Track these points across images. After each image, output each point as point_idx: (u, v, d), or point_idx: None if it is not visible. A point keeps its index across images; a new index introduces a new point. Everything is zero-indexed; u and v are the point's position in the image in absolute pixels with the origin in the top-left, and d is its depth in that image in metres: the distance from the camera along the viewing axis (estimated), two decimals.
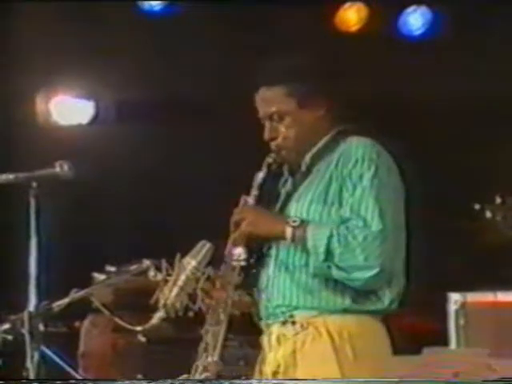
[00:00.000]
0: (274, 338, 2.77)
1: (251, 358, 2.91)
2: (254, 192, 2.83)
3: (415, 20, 5.40)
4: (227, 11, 5.14)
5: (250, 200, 2.83)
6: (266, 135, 2.83)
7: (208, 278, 2.82)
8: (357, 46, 5.20)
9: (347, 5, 5.39)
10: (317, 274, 2.71)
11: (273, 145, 2.83)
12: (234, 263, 2.78)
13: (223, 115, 5.21)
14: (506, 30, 5.00)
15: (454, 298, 4.48)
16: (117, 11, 5.25)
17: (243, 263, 2.78)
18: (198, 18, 5.27)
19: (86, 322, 4.22)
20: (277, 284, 2.77)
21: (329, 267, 2.69)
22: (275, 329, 2.77)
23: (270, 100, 2.81)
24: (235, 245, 2.80)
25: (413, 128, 5.10)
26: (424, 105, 5.21)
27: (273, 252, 2.80)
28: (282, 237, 2.75)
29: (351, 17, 5.38)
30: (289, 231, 2.73)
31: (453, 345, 4.44)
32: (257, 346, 2.88)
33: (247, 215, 2.79)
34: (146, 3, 5.42)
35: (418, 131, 5.14)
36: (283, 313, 2.76)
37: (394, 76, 5.10)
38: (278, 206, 2.84)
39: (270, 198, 2.87)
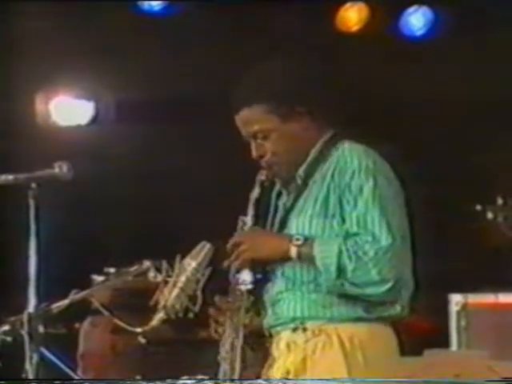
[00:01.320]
0: (283, 344, 2.74)
1: (252, 360, 2.89)
2: (251, 212, 2.78)
3: (416, 20, 5.38)
4: (227, 11, 5.13)
5: (248, 221, 2.78)
6: (254, 153, 2.78)
7: (216, 307, 2.79)
8: (357, 46, 5.19)
9: (348, 5, 5.37)
10: (330, 291, 2.69)
11: (263, 162, 2.79)
12: (241, 288, 2.75)
13: (223, 115, 5.19)
14: (507, 30, 4.99)
15: (455, 300, 4.47)
16: (116, 11, 5.24)
17: (250, 287, 2.75)
18: (198, 17, 5.26)
19: (86, 323, 4.21)
20: (286, 300, 2.74)
21: (342, 284, 2.66)
22: (285, 335, 2.74)
23: (250, 119, 2.76)
24: (239, 269, 2.75)
25: (413, 129, 5.08)
26: (425, 106, 5.20)
27: (279, 269, 2.75)
28: (287, 256, 2.71)
29: (352, 17, 5.35)
30: (293, 250, 2.68)
31: (454, 346, 4.43)
32: (257, 349, 2.87)
33: (246, 241, 2.74)
34: (145, 3, 5.41)
35: (418, 132, 5.13)
36: (292, 321, 2.74)
37: (394, 77, 5.09)
38: (277, 221, 2.80)
39: (264, 213, 2.82)
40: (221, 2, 5.15)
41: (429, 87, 5.13)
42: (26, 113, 5.45)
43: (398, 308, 2.71)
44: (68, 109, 5.60)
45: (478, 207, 4.35)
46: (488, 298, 4.48)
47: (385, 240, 2.65)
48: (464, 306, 4.44)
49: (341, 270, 2.64)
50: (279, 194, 2.84)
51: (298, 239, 2.68)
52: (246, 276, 2.75)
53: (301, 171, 2.77)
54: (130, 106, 5.54)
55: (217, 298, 2.78)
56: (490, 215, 4.32)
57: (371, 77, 5.02)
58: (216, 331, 2.78)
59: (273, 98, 2.75)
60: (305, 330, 2.70)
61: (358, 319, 2.69)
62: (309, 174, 2.76)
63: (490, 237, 4.67)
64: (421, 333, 4.72)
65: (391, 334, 2.74)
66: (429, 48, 5.29)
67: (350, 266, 2.64)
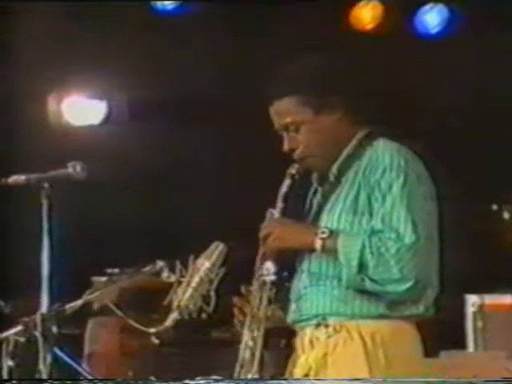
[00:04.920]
0: (307, 340, 2.73)
1: (265, 360, 2.87)
2: (280, 204, 2.77)
3: (432, 18, 5.35)
4: (240, 10, 5.12)
5: (276, 213, 2.78)
6: (285, 147, 2.78)
7: (241, 296, 2.78)
8: (372, 44, 5.16)
9: (362, 3, 5.34)
10: (350, 286, 2.67)
11: (295, 154, 2.78)
12: (265, 278, 2.74)
13: (236, 115, 5.18)
14: None
15: (472, 301, 4.43)
16: (129, 11, 5.23)
17: (273, 277, 2.74)
18: (211, 17, 5.24)
19: (91, 324, 4.19)
20: (309, 295, 2.73)
21: (362, 280, 2.64)
22: (308, 331, 2.73)
23: (283, 111, 2.76)
24: (264, 259, 2.75)
25: (428, 127, 5.05)
26: (438, 104, 5.16)
27: (305, 264, 2.75)
28: (312, 248, 2.70)
29: (366, 15, 5.32)
30: (318, 243, 2.68)
31: (470, 347, 4.40)
32: (271, 348, 2.85)
33: (273, 230, 2.74)
34: (158, 3, 5.39)
35: (431, 131, 5.09)
36: (315, 317, 2.72)
37: (409, 75, 5.05)
38: (310, 217, 2.79)
39: (299, 209, 2.81)
40: (234, 1, 5.13)
41: (444, 85, 5.10)
42: (39, 113, 5.45)
43: (421, 308, 2.68)
44: (81, 109, 5.59)
45: (495, 207, 4.31)
46: (505, 299, 4.45)
47: (408, 238, 2.62)
48: (480, 307, 4.41)
49: (362, 266, 2.62)
50: (315, 192, 2.83)
51: (323, 232, 2.68)
52: (269, 266, 2.74)
53: (334, 168, 2.76)
54: (142, 105, 5.53)
55: (242, 288, 2.77)
56: (506, 215, 4.29)
57: (384, 76, 4.98)
58: (239, 321, 2.76)
59: (305, 90, 2.74)
60: (327, 326, 2.69)
61: (380, 316, 2.66)
62: (342, 171, 2.75)
63: (506, 237, 4.63)
64: (437, 334, 4.69)
65: (415, 333, 2.71)
66: (444, 46, 5.25)
67: (371, 262, 2.62)
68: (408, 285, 2.62)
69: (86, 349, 4.19)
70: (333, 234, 2.67)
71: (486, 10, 5.03)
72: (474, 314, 4.41)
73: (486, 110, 5.18)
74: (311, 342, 2.71)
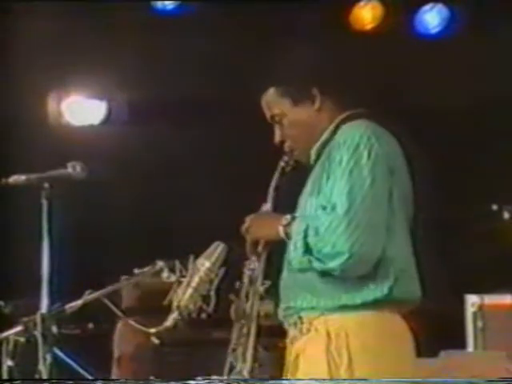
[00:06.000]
0: (289, 341, 2.74)
1: (265, 360, 2.87)
2: (270, 198, 2.79)
3: (432, 18, 5.35)
4: (239, 10, 5.12)
5: (267, 206, 2.79)
6: (276, 139, 2.81)
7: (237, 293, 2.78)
8: (371, 44, 5.16)
9: (362, 3, 5.34)
10: (303, 269, 2.65)
11: (285, 147, 2.81)
12: (251, 272, 2.75)
13: (236, 115, 5.19)
14: None
15: (472, 301, 4.44)
16: (129, 11, 5.23)
17: (255, 272, 2.74)
18: (211, 17, 5.25)
19: (120, 325, 4.17)
20: (286, 286, 2.74)
21: (310, 261, 2.62)
22: (290, 332, 2.74)
23: (268, 103, 2.81)
24: (251, 253, 2.76)
25: (429, 127, 5.05)
26: (440, 104, 5.16)
27: (286, 255, 2.75)
28: (280, 237, 2.70)
29: (366, 15, 5.33)
30: (281, 230, 2.68)
31: (470, 348, 4.40)
32: (271, 349, 2.85)
33: (252, 222, 2.76)
34: (158, 3, 5.39)
35: (433, 131, 5.10)
36: (291, 315, 2.72)
37: (409, 75, 5.06)
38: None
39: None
40: (233, 0, 5.13)
41: (443, 85, 5.10)
42: (39, 113, 5.45)
43: (384, 289, 2.60)
44: (80, 109, 5.59)
45: (495, 207, 4.31)
46: (504, 299, 4.45)
47: (340, 208, 2.57)
48: (480, 307, 4.41)
49: (307, 246, 2.61)
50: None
51: (285, 219, 2.68)
52: (251, 261, 2.75)
53: (312, 152, 2.77)
54: (142, 105, 5.53)
55: (237, 284, 2.77)
56: (506, 215, 4.29)
57: (385, 75, 4.99)
58: (230, 314, 2.77)
59: (284, 82, 2.77)
60: (302, 324, 2.68)
61: (346, 306, 2.62)
62: (319, 156, 2.75)
63: (506, 237, 4.63)
64: (437, 334, 4.69)
65: (388, 325, 2.64)
66: (444, 46, 5.26)
67: (312, 241, 2.60)
68: (343, 259, 2.55)
69: (116, 351, 4.18)
70: (294, 219, 2.65)
71: (486, 10, 5.03)
72: (474, 313, 4.41)
73: (486, 110, 5.18)
74: (292, 342, 2.71)
